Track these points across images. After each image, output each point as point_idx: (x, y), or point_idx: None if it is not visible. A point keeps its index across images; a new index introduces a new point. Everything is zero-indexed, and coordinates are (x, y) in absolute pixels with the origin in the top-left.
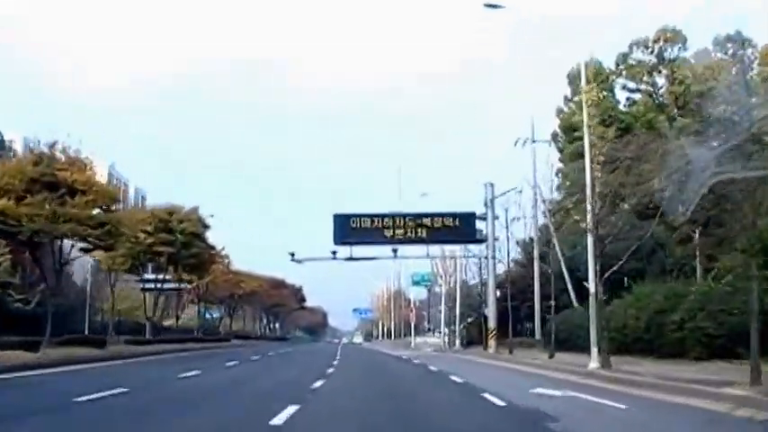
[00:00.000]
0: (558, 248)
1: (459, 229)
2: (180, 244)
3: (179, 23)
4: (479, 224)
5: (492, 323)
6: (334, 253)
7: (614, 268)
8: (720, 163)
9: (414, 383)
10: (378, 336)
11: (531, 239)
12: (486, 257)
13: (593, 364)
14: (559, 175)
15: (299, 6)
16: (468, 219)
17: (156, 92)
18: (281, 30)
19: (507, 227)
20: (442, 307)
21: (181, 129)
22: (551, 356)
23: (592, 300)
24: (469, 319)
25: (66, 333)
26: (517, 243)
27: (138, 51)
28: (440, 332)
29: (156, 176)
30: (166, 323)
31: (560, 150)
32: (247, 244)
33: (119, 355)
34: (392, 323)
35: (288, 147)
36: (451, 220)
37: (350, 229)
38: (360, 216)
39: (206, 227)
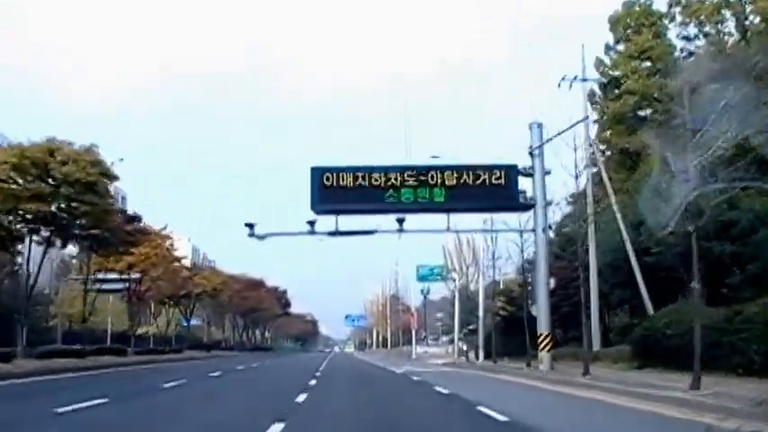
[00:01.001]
0: (622, 225)
1: (494, 188)
2: (63, 198)
3: (178, 25)
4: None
5: (544, 326)
6: (311, 224)
7: None
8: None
9: None
10: (372, 345)
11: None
12: (533, 230)
13: None
14: (591, 148)
15: (300, 6)
16: (507, 173)
17: (155, 93)
18: (281, 30)
19: (577, 175)
20: (456, 308)
21: (180, 130)
22: (695, 386)
23: None
24: (471, 326)
25: None
26: (550, 227)
27: (135, 51)
28: (436, 340)
29: (156, 177)
30: (140, 330)
31: (600, 115)
32: (246, 245)
33: None
34: (388, 331)
35: (288, 146)
36: (482, 174)
37: (334, 190)
38: (349, 170)
39: (110, 177)
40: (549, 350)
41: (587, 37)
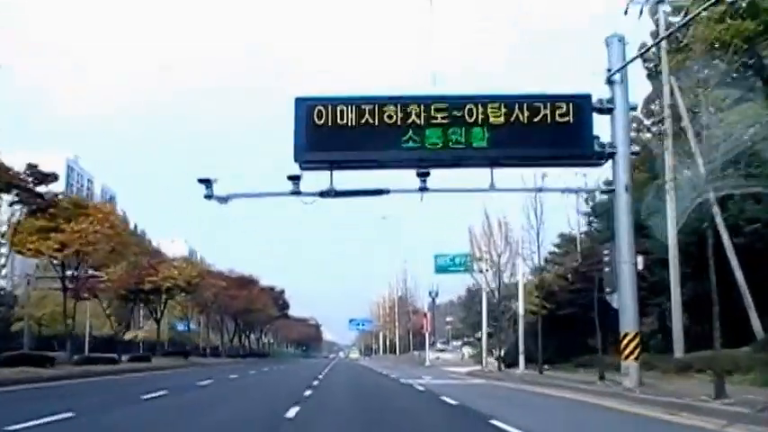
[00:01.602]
0: (711, 193)
1: (559, 129)
2: None
3: (178, 25)
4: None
5: (631, 323)
6: (294, 180)
7: None
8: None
9: None
10: (378, 350)
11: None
12: (611, 189)
13: None
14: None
15: (300, 6)
16: (577, 108)
17: (155, 93)
18: (281, 30)
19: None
20: (484, 305)
21: (180, 130)
22: None
23: None
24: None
25: None
26: (586, 201)
27: (135, 51)
28: (445, 344)
29: (156, 177)
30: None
31: (653, 73)
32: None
33: None
34: (396, 335)
35: (288, 147)
36: (543, 109)
37: (329, 132)
38: (352, 102)
39: None
40: (636, 358)
41: (589, 36)
